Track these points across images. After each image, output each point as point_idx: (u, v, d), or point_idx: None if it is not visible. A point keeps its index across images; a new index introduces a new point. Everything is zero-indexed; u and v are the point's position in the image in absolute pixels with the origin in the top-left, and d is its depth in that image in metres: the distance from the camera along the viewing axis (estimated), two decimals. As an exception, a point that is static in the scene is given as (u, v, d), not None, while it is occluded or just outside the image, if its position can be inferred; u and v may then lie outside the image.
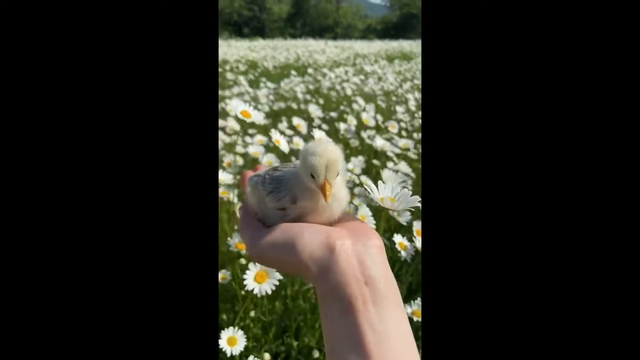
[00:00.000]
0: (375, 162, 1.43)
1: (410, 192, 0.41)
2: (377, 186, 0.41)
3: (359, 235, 0.30)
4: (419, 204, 0.40)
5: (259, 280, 0.61)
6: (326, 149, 0.30)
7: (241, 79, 3.20)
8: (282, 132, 1.69)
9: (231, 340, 0.63)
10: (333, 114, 1.81)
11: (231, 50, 7.46)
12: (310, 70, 3.96)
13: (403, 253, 0.62)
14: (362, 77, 3.25)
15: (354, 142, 1.36)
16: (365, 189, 0.38)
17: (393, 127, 1.52)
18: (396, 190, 0.41)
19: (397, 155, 1.31)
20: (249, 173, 0.38)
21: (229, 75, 3.72)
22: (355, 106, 1.90)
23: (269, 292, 0.60)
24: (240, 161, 1.20)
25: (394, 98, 2.57)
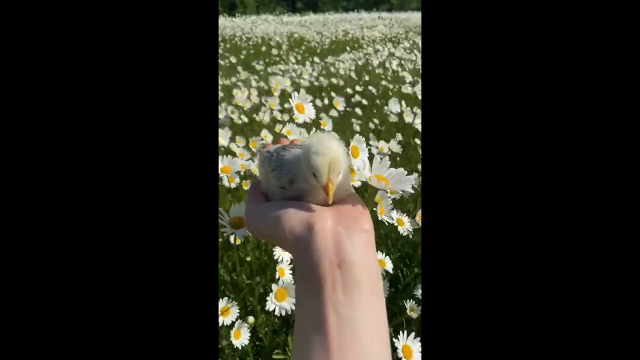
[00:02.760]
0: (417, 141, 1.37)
1: (406, 172, 0.39)
2: (370, 163, 0.39)
3: (345, 218, 0.29)
4: (413, 186, 0.37)
5: (279, 299, 0.60)
6: (329, 148, 0.30)
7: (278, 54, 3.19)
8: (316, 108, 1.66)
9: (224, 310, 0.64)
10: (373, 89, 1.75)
11: (281, 27, 7.45)
12: (356, 46, 3.85)
13: (401, 229, 0.59)
14: (408, 51, 3.09)
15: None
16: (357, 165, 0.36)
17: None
18: (389, 169, 0.39)
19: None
20: (270, 147, 0.39)
21: (275, 52, 3.73)
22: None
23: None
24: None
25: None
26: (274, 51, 3.92)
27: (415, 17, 10.28)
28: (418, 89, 1.84)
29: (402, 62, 2.69)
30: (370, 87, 1.79)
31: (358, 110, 1.76)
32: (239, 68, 2.59)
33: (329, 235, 0.28)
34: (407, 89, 1.85)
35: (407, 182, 0.38)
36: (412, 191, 0.37)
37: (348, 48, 3.66)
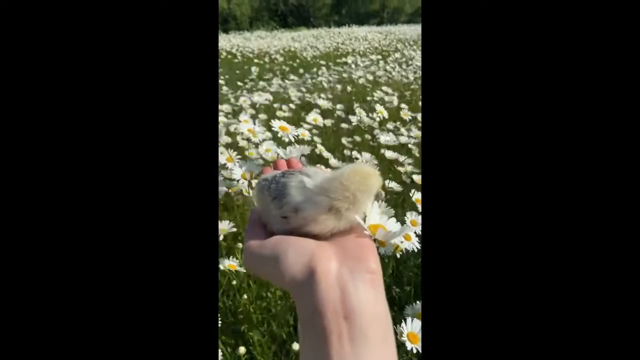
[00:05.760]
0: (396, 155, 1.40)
1: (399, 226, 0.38)
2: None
3: (349, 258, 0.27)
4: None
5: None
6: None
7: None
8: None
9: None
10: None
11: (274, 41, 7.57)
12: (343, 60, 3.93)
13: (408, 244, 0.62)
14: (394, 65, 3.18)
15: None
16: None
17: (406, 114, 1.49)
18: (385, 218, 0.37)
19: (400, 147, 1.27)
20: (268, 170, 0.37)
21: (267, 67, 3.79)
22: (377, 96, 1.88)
23: None
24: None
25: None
26: (267, 66, 4.00)
27: (404, 30, 10.49)
28: (404, 104, 1.89)
29: (391, 75, 2.77)
30: (358, 104, 1.84)
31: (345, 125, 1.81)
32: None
33: (332, 281, 0.26)
34: (392, 103, 1.91)
35: (403, 230, 0.37)
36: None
37: (329, 62, 3.74)
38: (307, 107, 2.26)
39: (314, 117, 1.36)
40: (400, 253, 0.70)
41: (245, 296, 0.90)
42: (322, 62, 3.74)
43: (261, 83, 2.80)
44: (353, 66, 3.40)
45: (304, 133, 1.43)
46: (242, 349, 0.75)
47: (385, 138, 1.24)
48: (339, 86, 2.58)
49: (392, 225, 0.38)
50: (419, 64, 3.34)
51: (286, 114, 1.98)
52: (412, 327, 0.65)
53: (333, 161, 1.25)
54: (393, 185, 1.02)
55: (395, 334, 0.67)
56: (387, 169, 1.30)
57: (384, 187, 0.33)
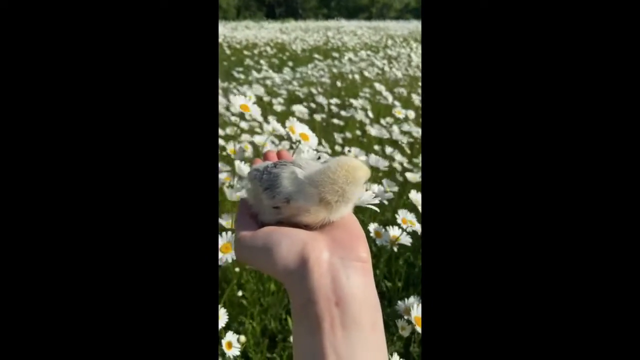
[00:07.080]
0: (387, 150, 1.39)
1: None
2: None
3: (340, 247, 0.28)
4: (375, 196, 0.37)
5: (224, 251, 0.62)
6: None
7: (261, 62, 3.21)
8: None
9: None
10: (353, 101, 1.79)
11: (261, 32, 7.47)
12: (336, 54, 3.90)
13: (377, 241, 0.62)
14: (385, 61, 3.16)
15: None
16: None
17: (399, 112, 1.48)
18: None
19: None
20: (258, 161, 0.37)
21: (255, 59, 3.73)
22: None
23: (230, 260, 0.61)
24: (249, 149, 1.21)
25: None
26: (255, 59, 3.93)
27: (393, 26, 10.51)
28: (394, 99, 1.88)
29: (382, 71, 2.75)
30: (350, 99, 1.82)
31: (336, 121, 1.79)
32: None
33: (324, 269, 0.27)
34: (386, 100, 1.89)
35: (366, 196, 0.37)
36: (377, 201, 0.37)
37: (321, 56, 3.71)
38: (296, 100, 2.22)
39: (299, 109, 1.33)
40: (397, 246, 0.70)
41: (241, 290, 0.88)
42: (313, 56, 3.70)
43: (252, 75, 2.74)
44: (343, 61, 3.37)
45: (292, 126, 1.39)
46: (242, 338, 0.74)
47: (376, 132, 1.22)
48: (329, 81, 2.55)
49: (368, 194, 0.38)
50: (409, 60, 3.33)
51: (280, 108, 1.94)
52: (418, 311, 0.67)
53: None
54: (386, 182, 1.00)
55: (397, 328, 0.67)
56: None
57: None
